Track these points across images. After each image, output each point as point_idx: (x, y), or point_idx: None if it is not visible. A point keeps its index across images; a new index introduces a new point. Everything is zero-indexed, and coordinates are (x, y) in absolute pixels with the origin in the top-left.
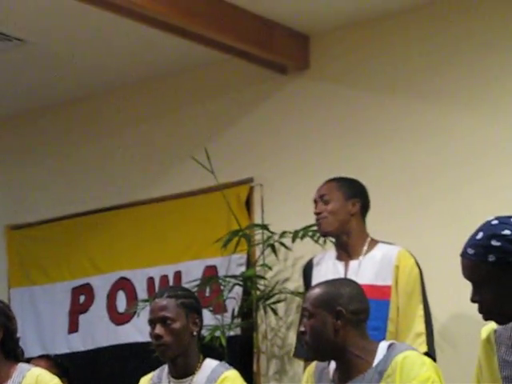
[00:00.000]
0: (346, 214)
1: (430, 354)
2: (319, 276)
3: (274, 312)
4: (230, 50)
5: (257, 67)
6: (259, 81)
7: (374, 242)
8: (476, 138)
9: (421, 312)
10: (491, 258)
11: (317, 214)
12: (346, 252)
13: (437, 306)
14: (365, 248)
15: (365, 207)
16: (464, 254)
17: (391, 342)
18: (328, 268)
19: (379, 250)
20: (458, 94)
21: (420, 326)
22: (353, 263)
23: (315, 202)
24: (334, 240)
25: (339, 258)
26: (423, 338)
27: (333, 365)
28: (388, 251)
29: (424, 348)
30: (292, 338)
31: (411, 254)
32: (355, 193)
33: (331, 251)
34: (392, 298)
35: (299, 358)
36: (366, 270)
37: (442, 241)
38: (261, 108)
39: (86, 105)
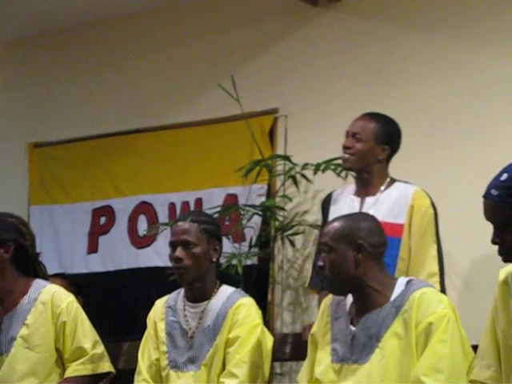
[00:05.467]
0: (373, 157)
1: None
2: (336, 211)
3: (292, 243)
4: None
5: None
6: (290, 11)
7: (392, 181)
8: (506, 82)
9: (434, 252)
10: None
11: (345, 147)
12: (365, 188)
13: (455, 248)
14: (383, 187)
15: (393, 152)
16: (487, 195)
17: (410, 278)
18: (345, 203)
19: (396, 189)
20: (492, 37)
21: (433, 267)
22: (369, 199)
23: (347, 133)
24: (355, 174)
25: (357, 193)
26: (436, 279)
27: (350, 298)
28: (404, 190)
29: (437, 288)
30: (308, 270)
31: (427, 194)
32: (388, 138)
33: (351, 186)
34: (404, 237)
35: (313, 289)
36: (381, 206)
37: (465, 183)
38: (290, 39)
39: (114, 26)
